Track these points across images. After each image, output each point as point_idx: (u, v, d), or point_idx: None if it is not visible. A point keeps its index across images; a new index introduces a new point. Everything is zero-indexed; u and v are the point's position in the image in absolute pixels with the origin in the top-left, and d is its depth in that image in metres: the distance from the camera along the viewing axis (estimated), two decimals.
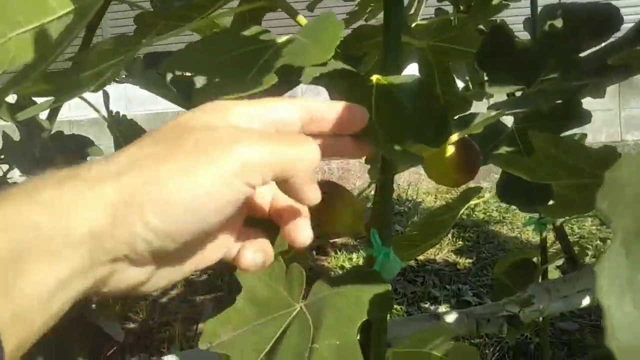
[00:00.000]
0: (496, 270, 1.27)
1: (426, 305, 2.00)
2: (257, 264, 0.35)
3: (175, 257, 0.31)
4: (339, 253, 2.42)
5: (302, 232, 0.36)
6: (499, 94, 0.58)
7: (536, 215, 1.15)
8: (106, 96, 1.01)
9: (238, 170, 0.28)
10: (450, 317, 0.85)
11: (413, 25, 0.65)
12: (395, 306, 1.98)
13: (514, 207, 2.79)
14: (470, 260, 2.26)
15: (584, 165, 0.59)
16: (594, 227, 2.43)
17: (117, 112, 1.04)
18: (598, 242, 2.27)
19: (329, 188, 0.59)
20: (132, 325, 2.04)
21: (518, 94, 0.73)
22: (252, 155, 0.29)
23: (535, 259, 1.33)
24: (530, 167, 0.69)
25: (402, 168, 0.52)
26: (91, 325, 1.22)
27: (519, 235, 2.48)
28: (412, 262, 2.23)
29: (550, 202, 0.90)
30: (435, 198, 3.11)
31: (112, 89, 0.76)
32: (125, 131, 1.00)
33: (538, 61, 0.56)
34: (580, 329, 1.70)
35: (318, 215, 0.58)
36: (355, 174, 3.57)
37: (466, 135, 0.57)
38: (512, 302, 0.84)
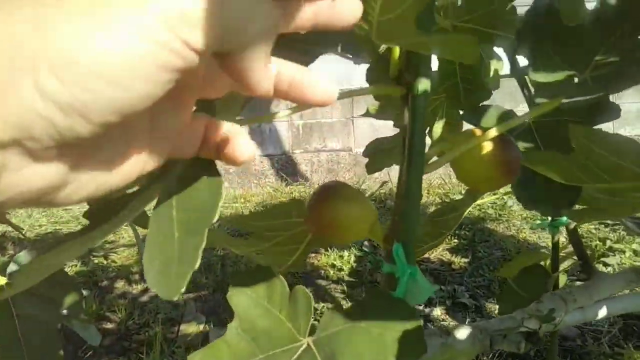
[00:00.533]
0: (502, 275, 1.19)
1: (420, 307, 1.92)
2: (250, 153, 0.29)
3: (96, 150, 0.25)
4: (329, 251, 2.33)
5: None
6: (546, 80, 0.49)
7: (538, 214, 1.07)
8: None
9: (166, 20, 0.21)
10: (462, 334, 0.76)
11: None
12: None
13: (510, 204, 2.73)
14: (466, 260, 2.18)
15: (634, 167, 0.50)
16: (592, 227, 2.37)
17: None
18: (597, 242, 2.21)
19: (334, 188, 0.49)
20: (109, 326, 1.94)
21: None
22: (184, 3, 0.22)
23: (542, 263, 1.26)
24: (566, 168, 0.61)
25: (433, 166, 0.43)
26: (64, 329, 1.13)
27: (515, 234, 2.41)
28: None
29: (577, 207, 0.82)
30: (428, 193, 3.03)
31: None
32: None
33: (592, 40, 0.46)
34: (581, 334, 1.63)
35: (321, 221, 0.49)
36: (345, 167, 3.47)
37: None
38: (533, 318, 0.76)
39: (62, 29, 0.20)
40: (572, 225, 1.08)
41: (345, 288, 2.04)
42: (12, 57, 0.19)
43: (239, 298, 0.40)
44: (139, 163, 0.27)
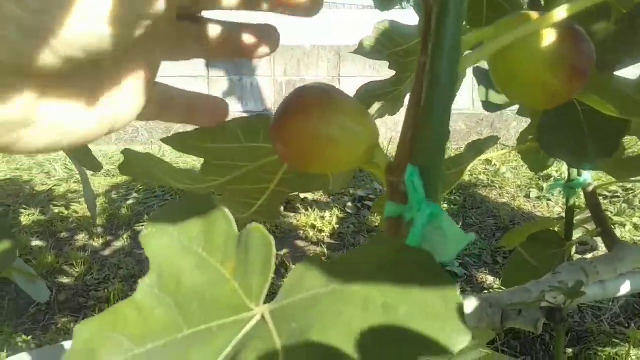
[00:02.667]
0: (505, 244, 1.07)
1: None
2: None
3: (63, 83, 0.24)
4: (309, 210, 2.19)
5: None
6: None
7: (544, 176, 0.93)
8: None
9: None
10: (468, 305, 0.63)
11: None
12: None
13: (503, 171, 2.61)
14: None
15: None
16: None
17: None
18: None
19: (313, 92, 0.35)
20: (65, 280, 1.79)
21: None
22: None
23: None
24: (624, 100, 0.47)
25: (467, 61, 0.28)
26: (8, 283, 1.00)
27: (509, 202, 2.29)
28: None
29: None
30: None
31: None
32: None
33: None
34: (579, 311, 1.53)
35: (296, 141, 0.34)
36: None
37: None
38: (557, 291, 0.63)
39: None
40: (591, 187, 0.95)
41: (325, 251, 1.92)
42: None
43: (159, 241, 0.26)
44: (110, 109, 0.26)
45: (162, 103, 0.33)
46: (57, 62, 0.22)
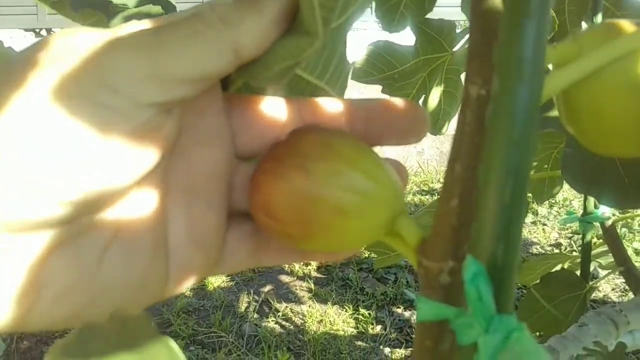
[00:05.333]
0: (519, 281, 0.97)
1: (399, 310, 1.70)
2: None
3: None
4: None
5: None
6: None
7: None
8: None
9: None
10: None
11: None
12: (362, 310, 1.68)
13: None
14: None
15: None
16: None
17: None
18: (594, 239, 2.04)
19: (316, 141, 0.25)
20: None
21: None
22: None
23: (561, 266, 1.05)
24: None
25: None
26: None
27: None
28: None
29: None
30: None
31: None
32: None
33: None
34: None
35: (291, 214, 0.25)
36: None
37: None
38: (595, 356, 0.53)
39: None
40: (610, 221, 0.86)
41: (312, 286, 1.80)
42: None
43: None
44: None
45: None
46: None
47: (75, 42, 0.19)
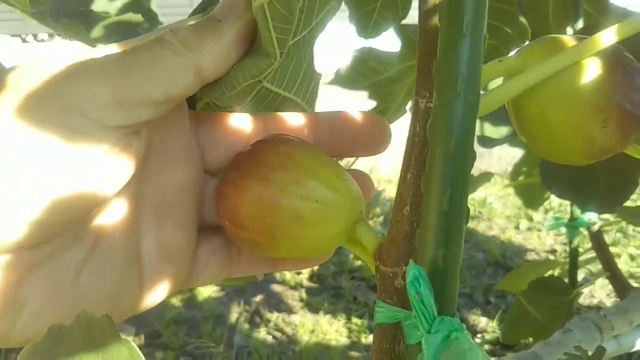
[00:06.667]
0: (504, 289, 0.99)
1: None
2: None
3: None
4: None
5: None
6: None
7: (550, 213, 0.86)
8: None
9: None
10: None
11: None
12: (354, 319, 1.69)
13: (490, 201, 2.55)
14: None
15: None
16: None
17: None
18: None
19: (271, 146, 0.26)
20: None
21: None
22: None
23: (551, 272, 1.06)
24: None
25: (487, 104, 0.20)
26: None
27: (499, 234, 2.23)
28: None
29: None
30: None
31: None
32: None
33: None
34: None
35: (253, 221, 0.26)
36: None
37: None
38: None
39: None
40: (596, 226, 0.88)
41: (304, 295, 1.81)
42: None
43: None
44: None
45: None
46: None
47: (44, 69, 0.21)
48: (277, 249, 0.26)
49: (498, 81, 0.25)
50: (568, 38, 0.25)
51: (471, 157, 0.19)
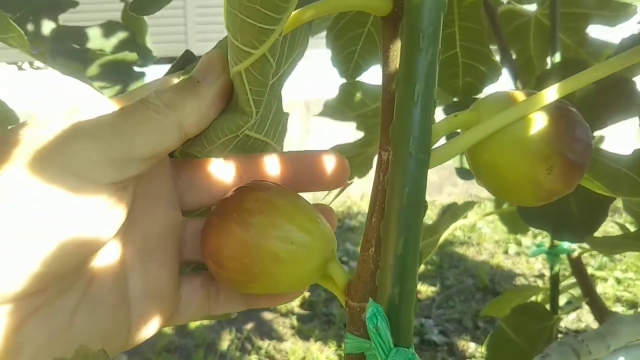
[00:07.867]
0: (489, 314, 1.01)
1: None
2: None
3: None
4: None
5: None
6: None
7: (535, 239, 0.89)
8: None
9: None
10: None
11: None
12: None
13: (479, 226, 2.58)
14: (434, 289, 2.01)
15: None
16: None
17: None
18: None
19: (250, 193, 0.29)
20: None
21: None
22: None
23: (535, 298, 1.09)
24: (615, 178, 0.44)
25: (440, 155, 0.22)
26: None
27: (488, 259, 2.25)
28: None
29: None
30: None
31: None
32: None
33: None
34: None
35: (233, 261, 0.28)
36: None
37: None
38: None
39: None
40: (576, 253, 0.91)
41: (295, 322, 1.82)
42: None
43: None
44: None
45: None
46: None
47: (43, 133, 0.23)
48: (255, 285, 0.28)
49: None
50: (518, 93, 0.28)
51: (422, 207, 0.22)
